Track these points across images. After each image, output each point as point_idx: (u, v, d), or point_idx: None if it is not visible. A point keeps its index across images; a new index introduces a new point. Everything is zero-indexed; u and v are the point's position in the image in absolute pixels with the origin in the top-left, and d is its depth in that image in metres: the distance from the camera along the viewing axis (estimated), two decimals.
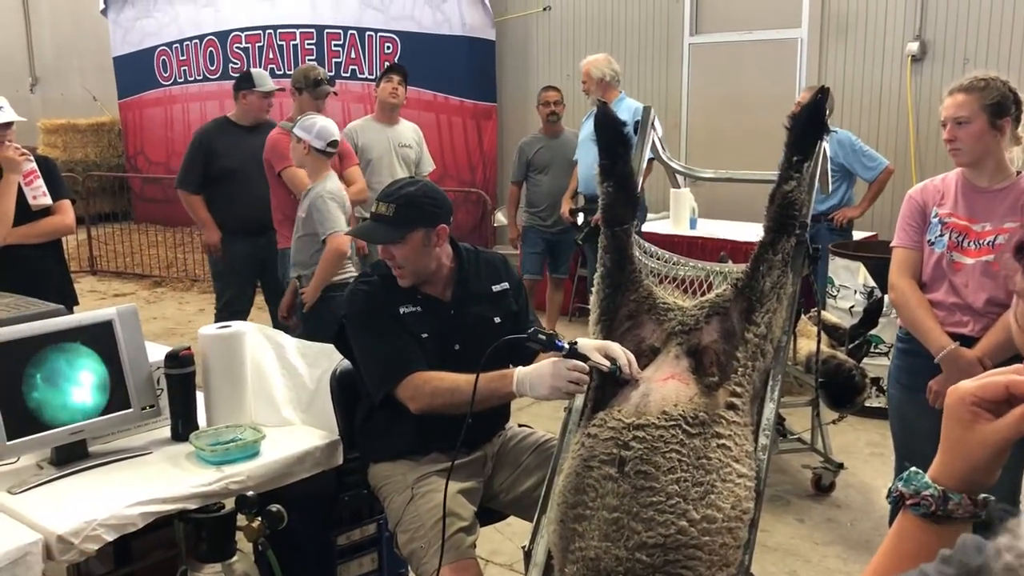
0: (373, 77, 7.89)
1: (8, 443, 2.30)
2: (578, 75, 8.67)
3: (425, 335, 2.59)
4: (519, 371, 2.36)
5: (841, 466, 4.25)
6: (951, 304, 2.89)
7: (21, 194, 3.92)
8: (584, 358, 2.21)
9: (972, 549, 0.84)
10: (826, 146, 2.46)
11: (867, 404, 4.47)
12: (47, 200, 4.00)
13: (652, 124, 2.76)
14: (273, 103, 5.43)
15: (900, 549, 1.04)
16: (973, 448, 1.00)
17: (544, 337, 2.25)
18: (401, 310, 2.59)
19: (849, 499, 4.22)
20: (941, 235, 2.90)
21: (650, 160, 2.88)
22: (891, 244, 3.08)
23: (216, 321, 4.79)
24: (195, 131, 5.68)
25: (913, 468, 1.05)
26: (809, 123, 2.33)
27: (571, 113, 8.13)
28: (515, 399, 2.46)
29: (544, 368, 2.28)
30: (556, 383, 2.23)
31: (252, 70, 6.28)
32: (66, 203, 4.11)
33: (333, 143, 4.33)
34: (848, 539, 3.87)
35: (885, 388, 2.74)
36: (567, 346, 2.22)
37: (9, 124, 4.01)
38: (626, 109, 5.54)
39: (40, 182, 3.98)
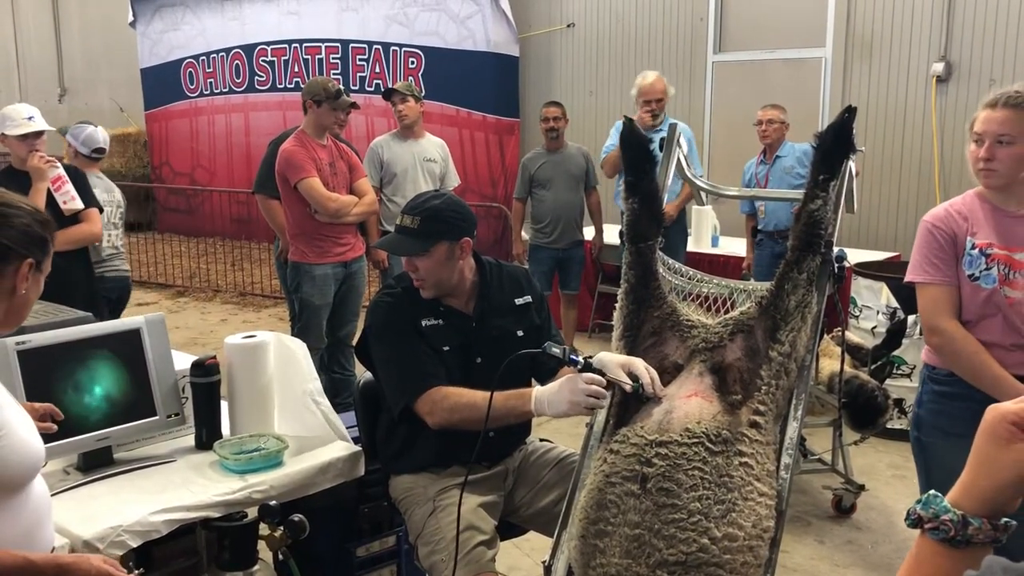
0: None
1: None
2: (601, 91, 8.80)
3: (447, 348, 2.60)
4: (536, 390, 2.34)
5: (862, 488, 4.22)
6: (1010, 344, 2.57)
7: (52, 203, 3.98)
8: (600, 372, 2.18)
9: (999, 571, 0.83)
10: (852, 164, 2.46)
11: (889, 426, 4.43)
12: (78, 204, 4.07)
13: (677, 142, 2.77)
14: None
15: (918, 573, 1.03)
16: (1002, 467, 0.99)
17: (558, 350, 2.20)
18: (423, 323, 2.60)
19: (870, 521, 4.19)
20: (988, 269, 2.56)
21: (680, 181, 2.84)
22: (914, 280, 2.66)
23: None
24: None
25: (932, 491, 1.04)
26: (836, 142, 2.33)
27: (592, 128, 8.19)
28: (533, 418, 2.45)
29: (561, 385, 2.26)
30: (574, 398, 2.20)
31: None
32: (93, 212, 4.18)
33: (98, 150, 4.70)
34: (869, 561, 3.84)
35: (910, 428, 2.53)
36: (582, 361, 2.19)
37: (40, 133, 4.08)
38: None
39: (69, 187, 4.05)
